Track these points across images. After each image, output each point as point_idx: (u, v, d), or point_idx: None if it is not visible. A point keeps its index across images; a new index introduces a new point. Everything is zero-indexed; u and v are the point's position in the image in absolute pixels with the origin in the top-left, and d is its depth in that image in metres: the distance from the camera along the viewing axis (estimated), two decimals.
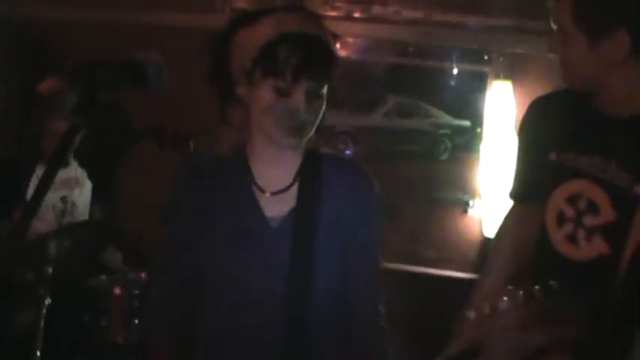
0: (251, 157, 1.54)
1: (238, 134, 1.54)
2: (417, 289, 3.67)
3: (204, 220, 1.53)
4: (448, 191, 6.35)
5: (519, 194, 1.89)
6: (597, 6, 1.52)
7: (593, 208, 1.64)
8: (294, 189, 1.53)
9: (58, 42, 3.65)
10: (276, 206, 1.52)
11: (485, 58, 3.90)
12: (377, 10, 3.65)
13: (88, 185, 3.24)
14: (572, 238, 1.67)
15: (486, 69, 3.85)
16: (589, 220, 1.64)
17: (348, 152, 9.54)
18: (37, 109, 2.85)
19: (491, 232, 2.12)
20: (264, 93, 1.42)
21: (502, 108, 3.61)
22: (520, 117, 1.91)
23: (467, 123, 8.12)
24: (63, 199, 3.09)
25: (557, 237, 1.70)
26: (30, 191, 2.89)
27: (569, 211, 1.68)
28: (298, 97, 1.41)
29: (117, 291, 2.90)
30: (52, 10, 3.68)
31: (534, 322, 1.19)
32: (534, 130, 1.81)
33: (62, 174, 3.06)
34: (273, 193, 1.53)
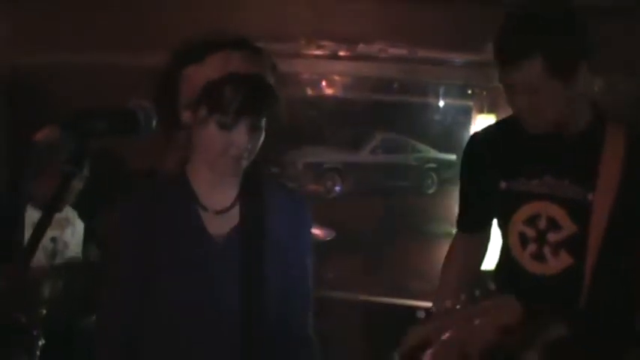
0: (193, 178, 1.60)
1: (181, 154, 1.60)
2: (410, 323, 3.67)
3: (147, 248, 1.55)
4: (436, 224, 6.39)
5: (467, 225, 2.00)
6: (566, 52, 1.60)
7: (553, 224, 1.73)
8: (236, 208, 1.60)
9: (49, 87, 3.67)
10: (220, 224, 1.58)
11: (469, 92, 3.98)
12: (362, 48, 3.70)
13: (80, 225, 3.25)
14: (538, 256, 1.76)
15: (470, 103, 3.92)
16: (552, 237, 1.74)
17: (337, 188, 9.58)
18: (33, 158, 2.88)
19: None
20: (209, 126, 1.48)
21: None
22: None
23: (453, 157, 8.20)
24: (53, 239, 3.09)
25: (524, 257, 1.79)
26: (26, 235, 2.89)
27: (531, 232, 1.77)
28: (241, 130, 1.48)
29: None
30: (43, 55, 3.71)
31: (477, 315, 1.27)
32: (479, 164, 1.90)
33: None
34: (217, 212, 1.59)
